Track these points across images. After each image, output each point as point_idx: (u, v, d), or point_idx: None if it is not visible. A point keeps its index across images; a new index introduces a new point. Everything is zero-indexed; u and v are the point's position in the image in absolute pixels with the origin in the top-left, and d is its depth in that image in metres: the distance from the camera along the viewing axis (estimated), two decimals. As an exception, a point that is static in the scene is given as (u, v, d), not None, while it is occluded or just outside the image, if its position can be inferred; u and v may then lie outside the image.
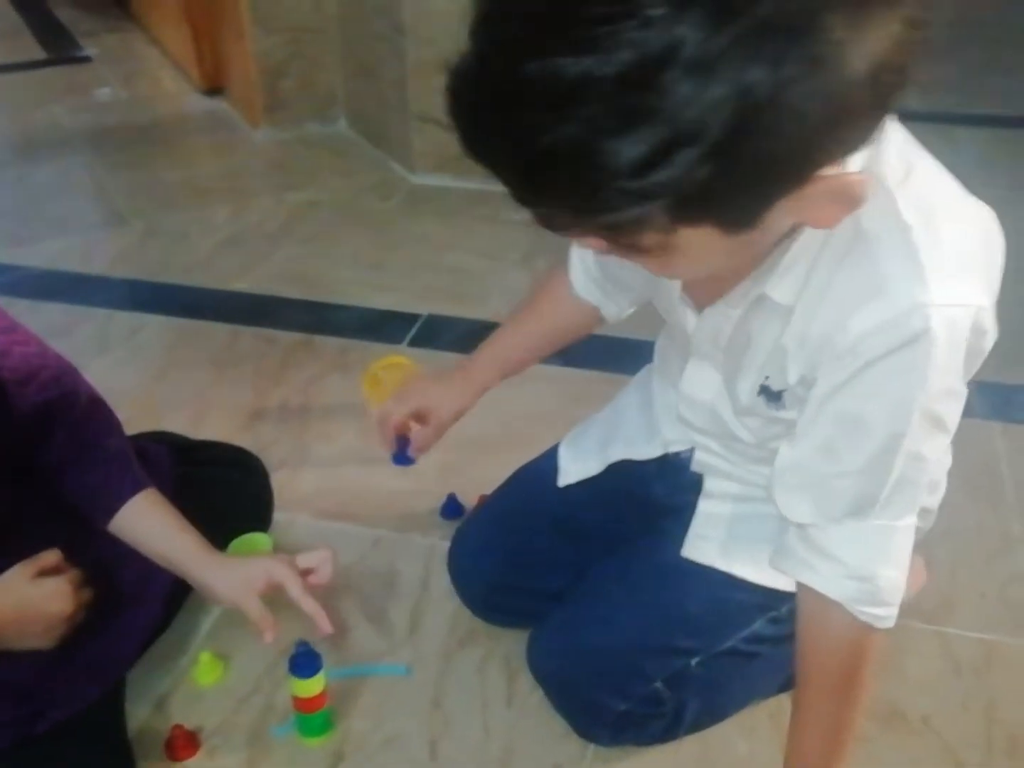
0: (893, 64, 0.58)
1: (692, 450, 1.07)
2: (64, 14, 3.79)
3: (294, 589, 1.02)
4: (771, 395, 0.89)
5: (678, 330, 0.98)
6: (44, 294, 1.96)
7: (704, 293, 0.90)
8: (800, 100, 0.55)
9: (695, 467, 1.07)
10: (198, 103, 3.00)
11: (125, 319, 1.90)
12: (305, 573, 1.05)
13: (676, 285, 0.93)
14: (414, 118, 2.40)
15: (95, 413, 1.10)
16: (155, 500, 1.07)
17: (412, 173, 2.49)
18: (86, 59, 3.37)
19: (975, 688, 1.17)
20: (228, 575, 1.03)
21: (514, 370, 1.21)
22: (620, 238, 0.65)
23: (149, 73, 3.26)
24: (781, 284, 0.80)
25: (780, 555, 0.90)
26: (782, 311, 0.81)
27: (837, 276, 0.77)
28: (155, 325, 1.89)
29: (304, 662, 1.05)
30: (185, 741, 1.07)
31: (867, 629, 0.87)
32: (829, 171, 0.62)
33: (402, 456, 1.34)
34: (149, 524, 1.06)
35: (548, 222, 0.65)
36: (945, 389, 0.78)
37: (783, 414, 0.89)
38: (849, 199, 0.65)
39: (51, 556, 1.03)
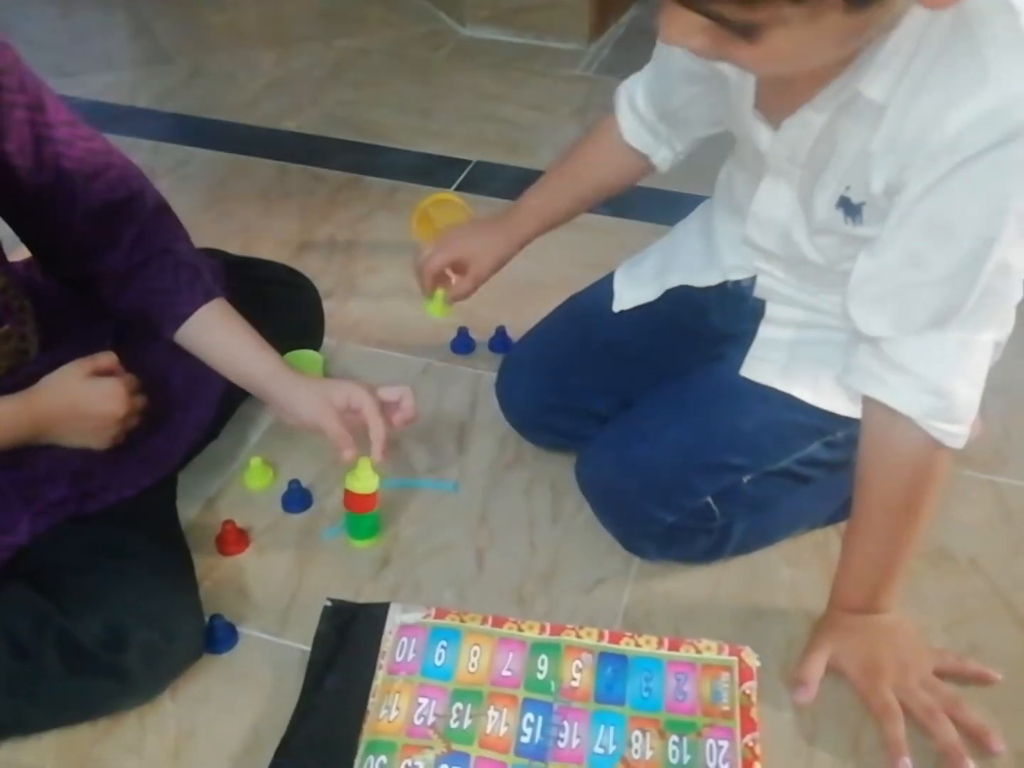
0: None
1: (753, 278, 1.05)
2: None
3: (371, 413, 1.01)
4: (850, 208, 0.86)
5: (750, 151, 0.95)
6: (89, 124, 1.93)
7: (780, 105, 0.86)
8: None
9: (758, 293, 1.05)
10: (244, -50, 2.91)
11: (172, 151, 1.88)
12: (383, 406, 1.04)
13: (748, 101, 0.90)
14: (468, -32, 2.33)
15: (163, 219, 1.08)
16: (227, 311, 1.05)
17: (463, 26, 2.42)
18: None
19: (1025, 534, 1.16)
20: (309, 394, 1.03)
21: (556, 222, 1.19)
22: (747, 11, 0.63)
23: (194, -82, 3.16)
24: (877, 79, 0.76)
25: (850, 372, 0.89)
26: (873, 111, 0.78)
27: (935, 69, 0.73)
28: (202, 158, 1.87)
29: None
30: (235, 536, 1.09)
31: (936, 446, 0.85)
32: None
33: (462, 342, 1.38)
34: (224, 336, 1.04)
35: None
36: None
37: (860, 230, 0.87)
38: None
39: (106, 358, 1.03)
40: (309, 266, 1.54)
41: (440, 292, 1.20)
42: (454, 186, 1.80)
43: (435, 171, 1.84)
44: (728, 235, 1.06)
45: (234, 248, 1.56)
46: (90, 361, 1.02)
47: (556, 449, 1.22)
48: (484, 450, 1.25)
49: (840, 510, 1.09)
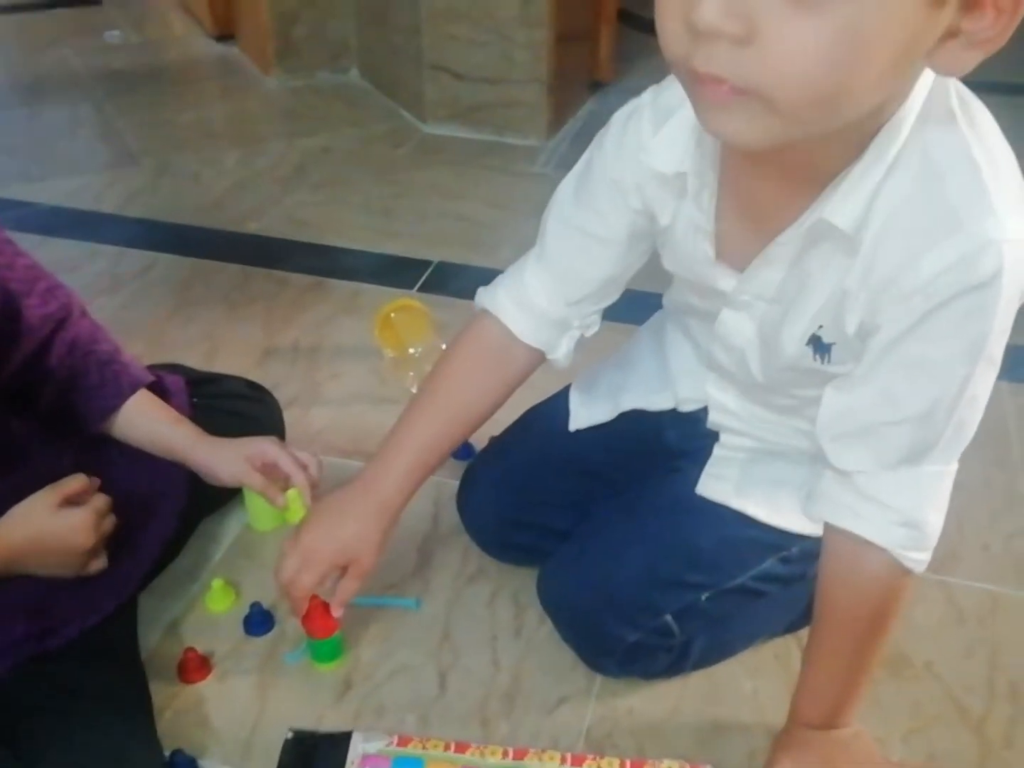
0: None
1: (705, 408, 1.06)
2: (73, -44, 3.76)
3: (286, 463, 1.15)
4: (820, 346, 0.86)
5: (707, 291, 0.93)
6: (54, 230, 1.95)
7: (743, 251, 0.86)
8: None
9: (710, 426, 1.06)
10: (209, 48, 2.97)
11: (136, 257, 1.90)
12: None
13: (707, 254, 0.89)
14: (427, 67, 2.38)
15: (85, 322, 1.13)
16: (147, 397, 1.15)
17: (423, 123, 2.47)
18: (96, 1, 3.33)
19: (978, 636, 1.18)
20: (227, 457, 1.15)
21: (431, 473, 1.06)
22: None
23: (159, 17, 3.23)
24: (844, 207, 0.75)
25: (816, 501, 0.88)
26: (844, 245, 0.78)
27: (905, 211, 0.74)
28: (166, 263, 1.89)
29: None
30: (197, 664, 1.08)
31: (903, 573, 0.86)
32: None
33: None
34: (148, 420, 1.14)
35: None
36: (1006, 328, 0.76)
37: (827, 367, 0.86)
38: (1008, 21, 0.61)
39: (76, 483, 1.03)
40: (273, 373, 1.56)
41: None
42: (416, 287, 1.83)
43: (397, 272, 1.87)
44: (680, 365, 1.08)
45: (199, 354, 1.59)
46: (58, 490, 1.01)
47: (518, 564, 1.23)
48: (446, 563, 1.25)
49: (799, 619, 1.10)
